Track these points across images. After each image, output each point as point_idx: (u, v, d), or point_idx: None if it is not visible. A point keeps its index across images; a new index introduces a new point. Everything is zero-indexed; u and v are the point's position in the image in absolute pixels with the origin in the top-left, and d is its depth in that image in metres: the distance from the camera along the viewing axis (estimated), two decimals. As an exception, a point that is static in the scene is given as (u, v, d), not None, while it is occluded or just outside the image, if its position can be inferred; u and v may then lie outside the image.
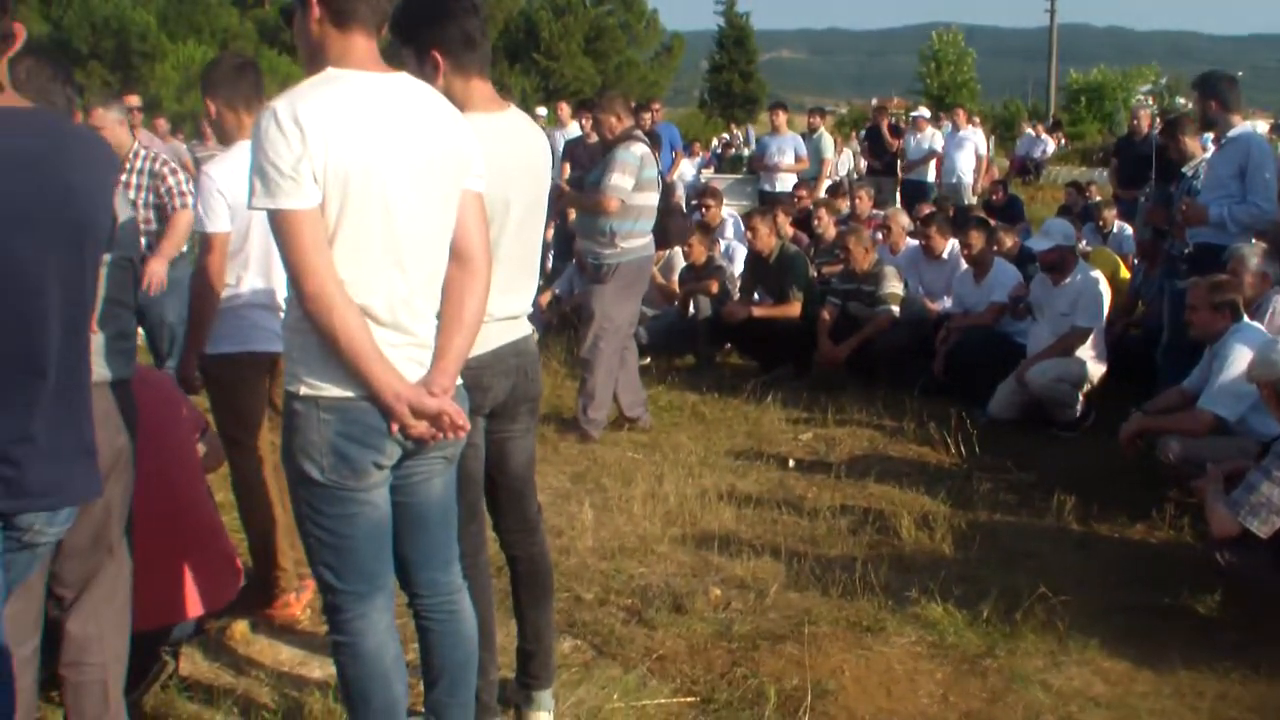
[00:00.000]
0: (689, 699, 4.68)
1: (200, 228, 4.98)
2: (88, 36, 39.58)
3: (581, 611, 5.45)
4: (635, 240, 8.27)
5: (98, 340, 3.55)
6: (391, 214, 3.20)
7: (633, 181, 8.10)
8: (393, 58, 3.47)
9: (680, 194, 16.17)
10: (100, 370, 3.61)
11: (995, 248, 10.33)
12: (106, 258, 3.68)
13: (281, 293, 5.07)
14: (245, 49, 44.12)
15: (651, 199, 8.38)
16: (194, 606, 4.64)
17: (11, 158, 2.87)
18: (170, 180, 8.15)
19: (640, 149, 8.28)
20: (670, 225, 11.27)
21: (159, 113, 16.48)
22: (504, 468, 4.23)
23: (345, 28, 3.26)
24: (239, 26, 46.03)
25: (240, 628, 5.14)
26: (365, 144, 3.15)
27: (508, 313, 3.95)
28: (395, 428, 3.24)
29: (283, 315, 5.01)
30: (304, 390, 3.25)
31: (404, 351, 3.27)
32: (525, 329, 4.14)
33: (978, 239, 10.00)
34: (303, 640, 5.17)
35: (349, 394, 3.21)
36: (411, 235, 3.25)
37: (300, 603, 5.35)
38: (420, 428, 3.25)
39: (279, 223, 3.12)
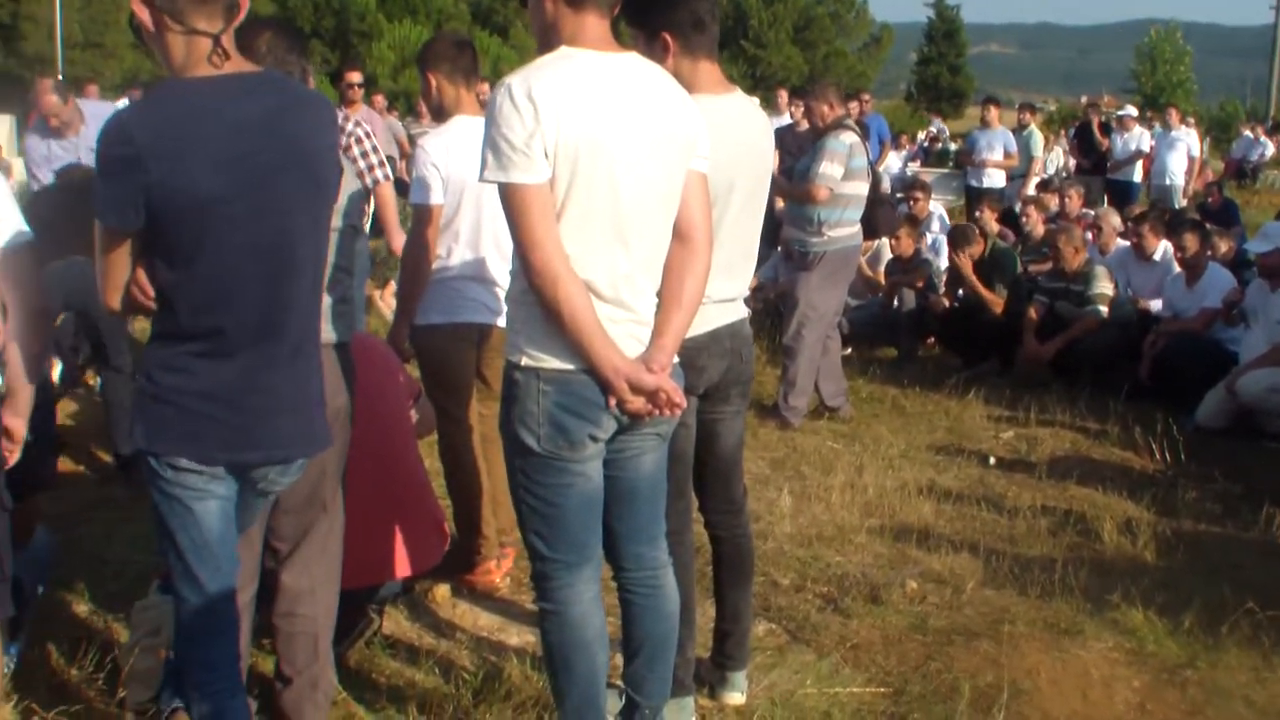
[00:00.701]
0: (881, 689, 4.65)
1: (415, 200, 5.10)
2: (310, 15, 40.87)
3: (778, 596, 5.46)
4: (843, 229, 8.23)
5: (325, 302, 3.68)
6: (618, 191, 3.23)
7: (842, 170, 8.06)
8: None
9: (886, 186, 16.02)
10: (325, 332, 3.73)
11: (1210, 252, 10.01)
12: (336, 224, 3.84)
13: (494, 265, 5.18)
14: (459, 30, 45.06)
15: (860, 188, 8.33)
16: (401, 567, 4.77)
17: (249, 119, 3.04)
18: (370, 155, 8.08)
19: (850, 138, 8.23)
20: (878, 216, 11.19)
21: (375, 90, 16.82)
22: (713, 448, 4.25)
23: (579, 7, 3.30)
24: (453, 8, 46.88)
25: (442, 591, 5.27)
26: (596, 121, 3.19)
27: (726, 295, 3.97)
28: (613, 402, 3.28)
29: (487, 286, 5.20)
30: (525, 361, 3.31)
31: (624, 328, 3.31)
32: (741, 312, 4.16)
33: (1192, 241, 9.69)
34: (502, 607, 5.28)
35: (569, 366, 3.26)
36: (636, 213, 3.28)
37: (501, 570, 5.46)
38: (637, 403, 3.29)
39: (509, 196, 3.18)
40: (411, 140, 15.30)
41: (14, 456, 3.87)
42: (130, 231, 3.07)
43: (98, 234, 3.13)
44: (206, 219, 3.00)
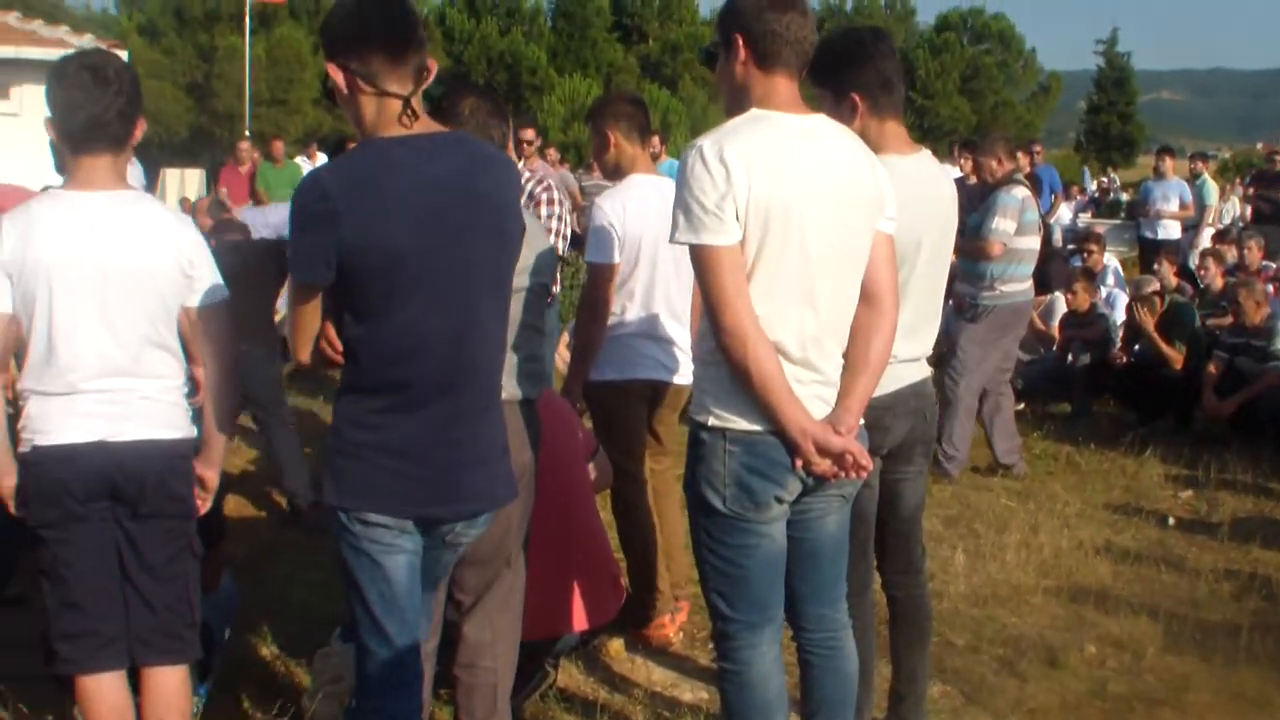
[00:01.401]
0: (1060, 756, 4.56)
1: (591, 258, 5.18)
2: (484, 70, 41.72)
3: (952, 657, 5.38)
4: (1014, 284, 8.14)
5: (512, 359, 3.75)
6: (807, 253, 3.24)
7: (1014, 225, 7.98)
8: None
9: (1058, 238, 15.78)
10: (512, 388, 3.80)
11: None
12: (525, 282, 3.92)
13: (667, 323, 5.23)
14: (628, 83, 45.52)
15: (1033, 243, 8.23)
16: (579, 621, 4.81)
17: (438, 178, 3.14)
18: (553, 221, 8.14)
19: (1022, 192, 8.14)
20: (1050, 270, 11.02)
21: (547, 143, 17.12)
22: (894, 509, 4.23)
23: (769, 70, 3.33)
24: (622, 61, 47.48)
25: (616, 645, 5.29)
26: (786, 183, 3.21)
27: (910, 355, 3.95)
28: (799, 463, 3.28)
29: (660, 344, 5.24)
30: (712, 421, 3.33)
31: (811, 389, 3.31)
32: (924, 371, 4.14)
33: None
34: (675, 662, 5.29)
35: (756, 427, 3.27)
36: (825, 274, 3.29)
37: (674, 625, 5.47)
38: (824, 465, 3.28)
39: (700, 257, 3.21)
40: (584, 192, 15.50)
41: (206, 505, 4.02)
42: (321, 286, 3.18)
43: (290, 287, 3.26)
44: (395, 274, 3.10)
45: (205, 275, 3.79)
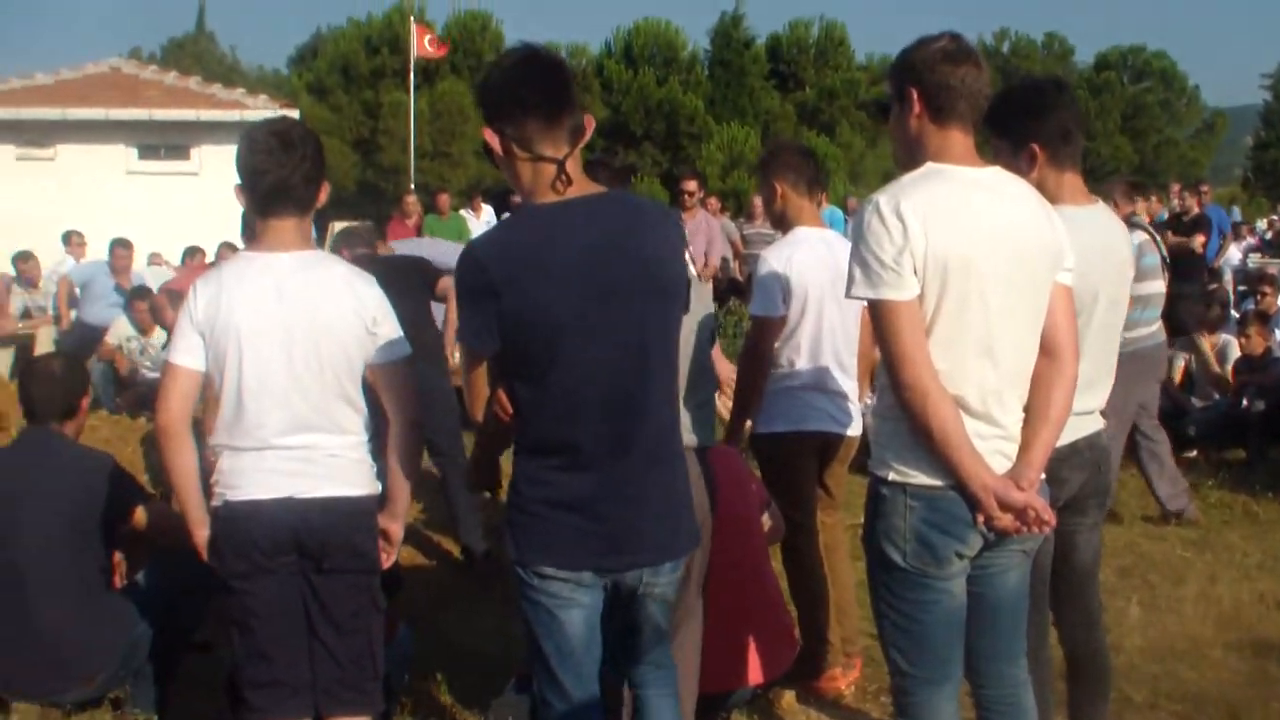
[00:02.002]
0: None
1: (756, 311, 5.20)
2: (641, 119, 42.03)
3: (1131, 714, 5.25)
4: (1140, 329, 7.92)
5: (684, 408, 3.79)
6: (986, 306, 3.23)
7: (1132, 272, 7.80)
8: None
9: (1228, 279, 15.39)
10: (686, 436, 3.84)
11: None
12: (694, 331, 3.97)
13: (835, 375, 5.23)
14: (785, 130, 45.46)
15: (1155, 286, 7.95)
16: (755, 674, 4.81)
17: (596, 240, 3.19)
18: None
19: (1139, 236, 7.95)
20: (1181, 310, 10.71)
21: (708, 192, 17.19)
22: (1070, 561, 4.16)
23: (944, 123, 3.33)
24: (779, 108, 47.48)
25: (789, 698, 5.25)
26: (963, 237, 3.20)
27: (1085, 407, 3.90)
28: (981, 519, 3.25)
29: (830, 396, 5.23)
30: (892, 476, 3.32)
31: (992, 443, 3.28)
32: (1099, 423, 4.08)
33: None
34: (847, 715, 5.25)
35: (937, 482, 3.25)
36: (1004, 328, 3.27)
37: (847, 679, 5.42)
38: (1005, 520, 3.24)
39: (879, 313, 3.21)
40: (745, 240, 15.54)
41: (390, 559, 4.12)
42: (487, 355, 3.27)
43: (460, 354, 3.35)
44: (557, 339, 3.16)
45: (389, 332, 3.90)
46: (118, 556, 5.29)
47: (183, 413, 3.87)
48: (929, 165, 3.32)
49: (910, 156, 3.41)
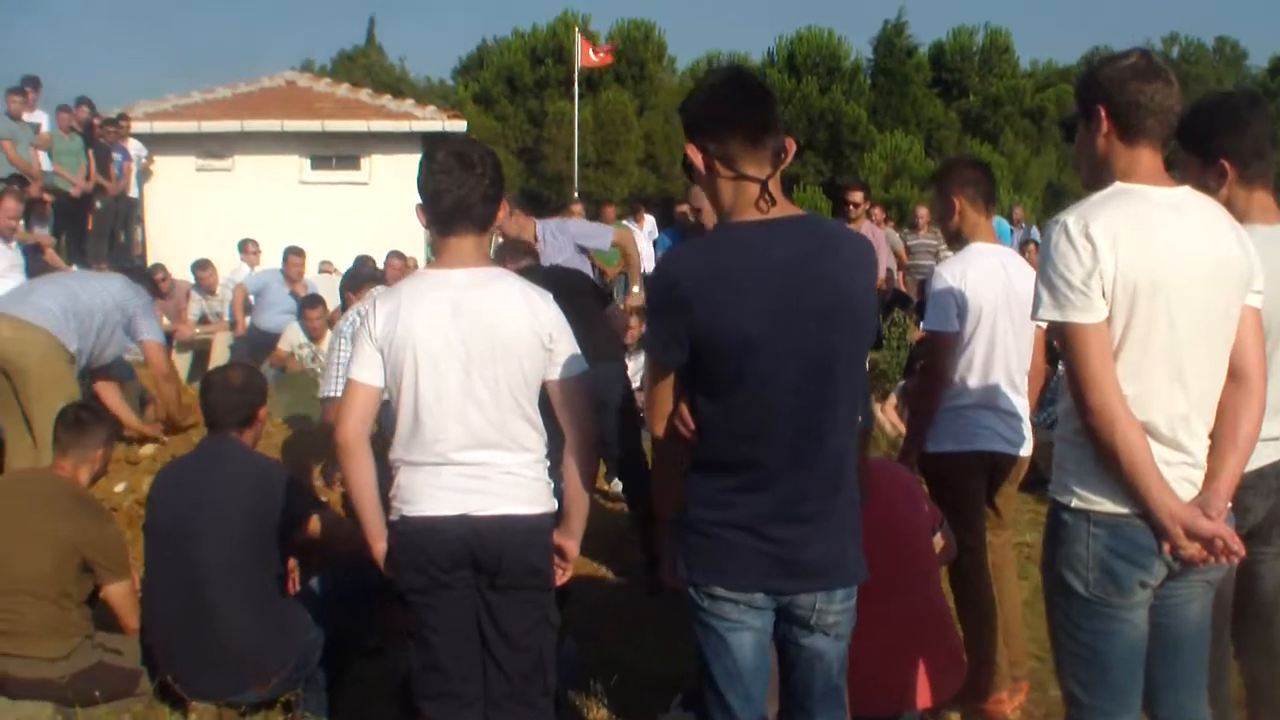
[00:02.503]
0: None
1: (930, 326, 5.14)
2: (804, 128, 41.81)
3: (1314, 749, 5.07)
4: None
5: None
6: (1175, 329, 3.16)
7: None
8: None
9: None
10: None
11: None
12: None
13: (1007, 394, 5.14)
14: (948, 138, 44.94)
15: None
16: (924, 697, 4.73)
17: (790, 263, 3.17)
18: None
19: None
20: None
21: (872, 202, 17.04)
22: (1253, 591, 4.03)
23: (1133, 142, 3.27)
24: (943, 116, 46.91)
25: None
26: (1153, 259, 3.13)
27: (1273, 433, 3.76)
28: (1167, 548, 3.18)
29: (999, 415, 5.14)
30: (1075, 503, 3.26)
31: (1178, 470, 3.21)
32: (1285, 449, 3.95)
33: None
34: (1014, 741, 5.15)
35: (1122, 510, 3.19)
36: (1193, 351, 3.20)
37: (1013, 703, 5.32)
38: (1192, 550, 3.16)
39: (1066, 336, 3.16)
40: (909, 251, 15.39)
41: (566, 576, 4.15)
42: (674, 367, 3.28)
43: (646, 365, 3.37)
44: (746, 357, 3.16)
45: (565, 348, 3.93)
46: (292, 563, 5.42)
47: (361, 428, 3.94)
48: (1118, 185, 3.26)
49: (1097, 176, 3.35)
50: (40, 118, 15.95)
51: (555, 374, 3.94)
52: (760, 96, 3.31)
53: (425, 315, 3.84)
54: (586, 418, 4.01)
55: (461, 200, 3.87)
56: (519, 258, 7.44)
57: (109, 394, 8.09)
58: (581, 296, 6.63)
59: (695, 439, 3.33)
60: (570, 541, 4.09)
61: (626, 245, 9.73)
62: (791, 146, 3.32)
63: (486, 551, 3.84)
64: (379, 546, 4.02)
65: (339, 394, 5.74)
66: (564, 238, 8.47)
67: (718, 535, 3.28)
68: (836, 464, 3.33)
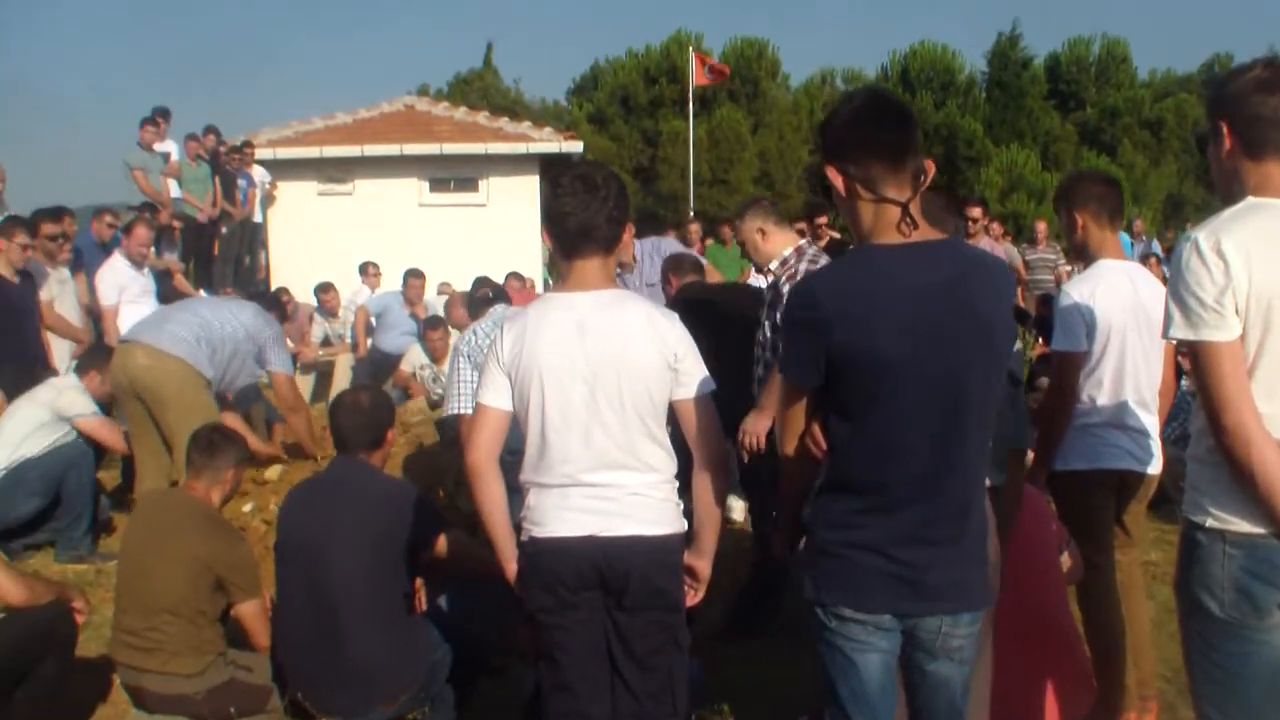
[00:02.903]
0: None
1: (1058, 346, 5.08)
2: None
3: None
4: None
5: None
6: (1309, 347, 3.09)
7: None
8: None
9: None
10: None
11: None
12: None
13: (1136, 411, 5.07)
14: (1065, 151, 44.36)
15: None
16: (1052, 718, 4.70)
17: (929, 288, 3.16)
18: None
19: None
20: None
21: (990, 217, 16.84)
22: None
23: (1259, 157, 3.22)
24: (1060, 129, 46.27)
25: (1083, 740, 5.13)
26: None
27: None
28: None
29: (1129, 433, 5.06)
30: (1209, 523, 3.20)
31: (1317, 491, 3.13)
32: None
33: None
34: (1143, 762, 5.06)
35: (1259, 530, 3.12)
36: (1329, 369, 3.12)
37: (1142, 724, 5.26)
38: None
39: (1199, 354, 3.12)
40: (1027, 265, 15.21)
41: (697, 597, 4.14)
42: (808, 388, 3.28)
43: (778, 386, 3.36)
44: (882, 380, 3.15)
45: (691, 367, 3.93)
46: (419, 582, 5.48)
47: (490, 452, 3.99)
48: (1249, 200, 3.21)
49: (1228, 191, 3.31)
50: (170, 147, 16.38)
51: (682, 393, 3.94)
52: (901, 118, 3.31)
53: (550, 338, 3.88)
54: (714, 437, 4.01)
55: (586, 223, 3.91)
56: (684, 273, 7.49)
57: (233, 422, 8.26)
58: (745, 318, 6.60)
59: (826, 459, 3.33)
60: (701, 562, 4.08)
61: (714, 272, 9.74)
62: (931, 168, 3.32)
63: (614, 572, 3.86)
64: (510, 567, 4.06)
65: (463, 410, 5.81)
66: (660, 258, 8.49)
67: (846, 556, 3.28)
68: (967, 490, 3.32)
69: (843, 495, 3.31)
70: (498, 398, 3.96)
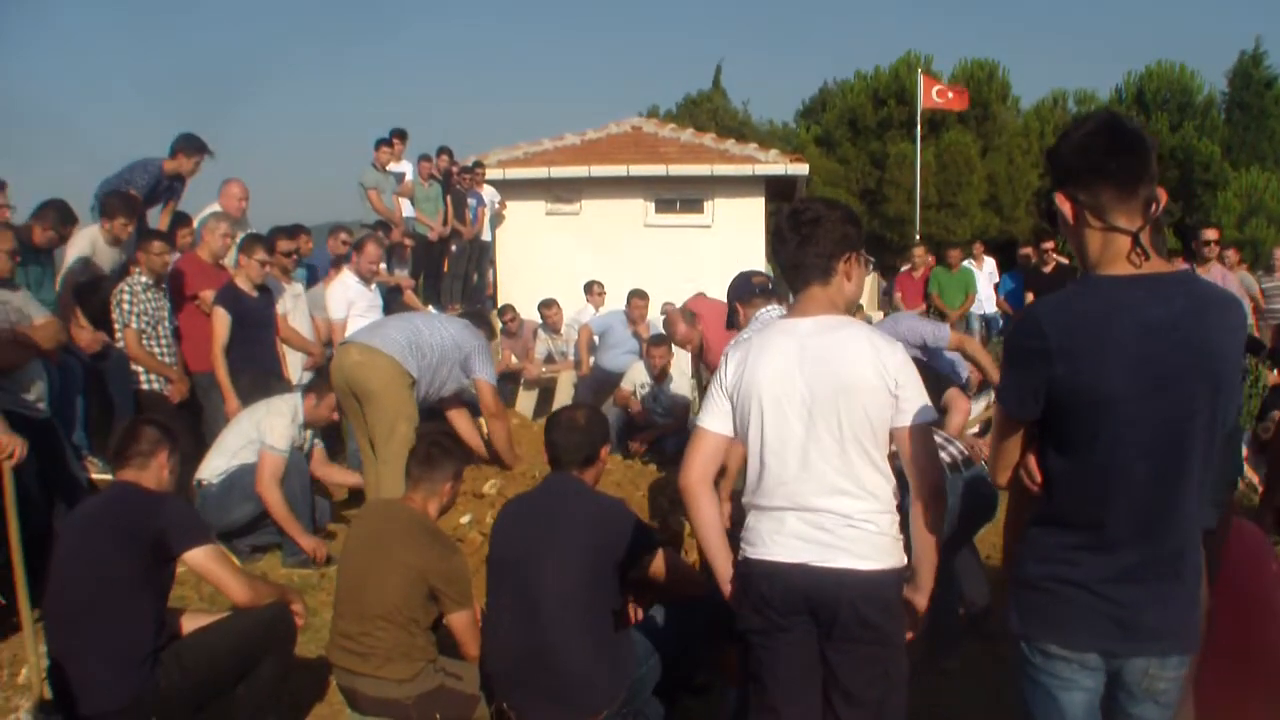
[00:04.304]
0: None
1: None
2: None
3: None
4: None
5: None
6: None
7: None
8: None
9: None
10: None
11: None
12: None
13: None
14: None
15: None
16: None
17: (1158, 322, 3.08)
18: None
19: None
20: None
21: (1226, 243, 16.21)
22: None
23: None
24: (1307, 156, 44.39)
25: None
26: None
27: None
28: None
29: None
30: None
31: None
32: None
33: None
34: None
35: None
36: None
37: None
38: None
39: None
40: (1264, 294, 14.64)
41: (914, 633, 4.11)
42: (1026, 420, 3.23)
43: (995, 416, 3.33)
44: (1103, 415, 3.09)
45: (913, 396, 3.92)
46: (629, 598, 5.55)
47: (705, 474, 4.09)
48: None
49: None
50: (405, 167, 16.89)
51: (902, 421, 3.92)
52: (1136, 144, 3.20)
53: (771, 362, 3.95)
54: (932, 467, 3.97)
55: (792, 259, 4.03)
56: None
57: (460, 420, 8.91)
58: None
59: (1041, 493, 3.28)
60: (918, 596, 4.05)
61: (965, 345, 9.60)
62: (1164, 197, 3.24)
63: (823, 604, 3.87)
64: (726, 588, 4.13)
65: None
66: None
67: (1055, 592, 3.23)
68: (1185, 530, 3.24)
69: (1056, 530, 3.25)
70: (717, 422, 4.07)
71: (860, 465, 3.88)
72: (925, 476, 3.94)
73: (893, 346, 3.97)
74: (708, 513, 4.10)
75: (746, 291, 6.79)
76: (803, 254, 3.99)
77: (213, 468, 8.33)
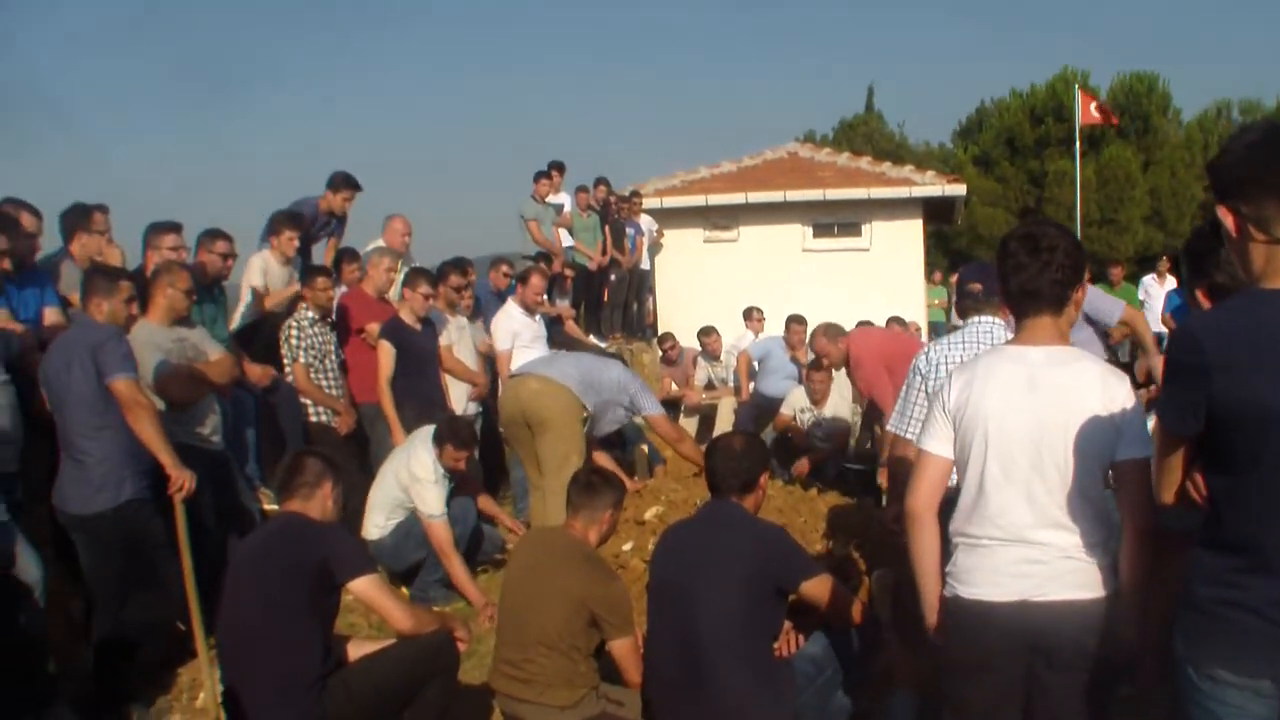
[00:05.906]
0: None
1: None
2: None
3: None
4: None
5: None
6: None
7: None
8: None
9: None
10: None
11: None
12: None
13: None
14: None
15: None
16: None
17: None
18: None
19: None
20: None
21: None
22: None
23: None
24: None
25: None
26: None
27: None
28: None
29: None
30: None
31: None
32: None
33: None
34: None
35: None
36: None
37: None
38: None
39: None
40: None
41: (1127, 660, 4.01)
42: (1187, 437, 3.13)
43: (1156, 433, 3.23)
44: (1267, 435, 2.97)
45: (1138, 432, 3.84)
46: (788, 624, 5.51)
47: (930, 499, 4.06)
48: None
49: None
50: (563, 199, 17.06)
51: (1124, 455, 3.85)
52: None
53: (999, 390, 3.90)
54: (1143, 507, 3.84)
55: (1026, 284, 3.93)
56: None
57: (603, 460, 9.13)
58: None
59: (1208, 509, 3.18)
60: (1125, 629, 3.93)
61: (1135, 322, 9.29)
62: None
63: (1043, 636, 3.83)
64: (932, 618, 4.10)
65: (907, 434, 5.71)
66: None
67: (1225, 616, 3.10)
68: None
69: (1221, 552, 3.13)
70: (941, 445, 4.04)
71: (1080, 499, 3.83)
72: (1140, 513, 3.84)
73: (1121, 381, 3.92)
74: (929, 541, 4.07)
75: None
76: (1040, 280, 3.89)
77: (374, 523, 8.48)
